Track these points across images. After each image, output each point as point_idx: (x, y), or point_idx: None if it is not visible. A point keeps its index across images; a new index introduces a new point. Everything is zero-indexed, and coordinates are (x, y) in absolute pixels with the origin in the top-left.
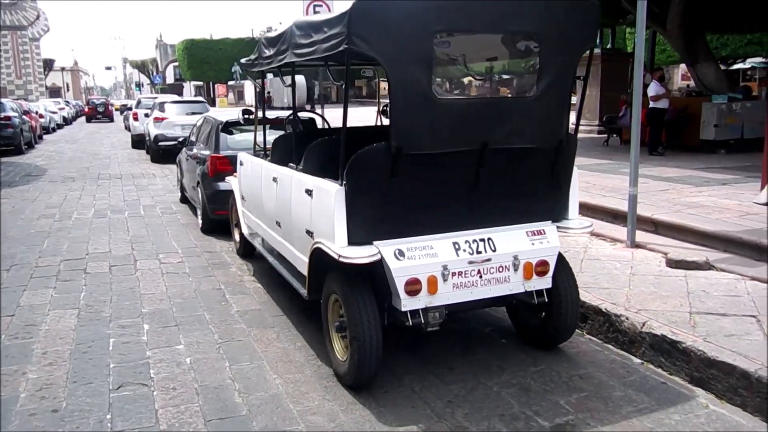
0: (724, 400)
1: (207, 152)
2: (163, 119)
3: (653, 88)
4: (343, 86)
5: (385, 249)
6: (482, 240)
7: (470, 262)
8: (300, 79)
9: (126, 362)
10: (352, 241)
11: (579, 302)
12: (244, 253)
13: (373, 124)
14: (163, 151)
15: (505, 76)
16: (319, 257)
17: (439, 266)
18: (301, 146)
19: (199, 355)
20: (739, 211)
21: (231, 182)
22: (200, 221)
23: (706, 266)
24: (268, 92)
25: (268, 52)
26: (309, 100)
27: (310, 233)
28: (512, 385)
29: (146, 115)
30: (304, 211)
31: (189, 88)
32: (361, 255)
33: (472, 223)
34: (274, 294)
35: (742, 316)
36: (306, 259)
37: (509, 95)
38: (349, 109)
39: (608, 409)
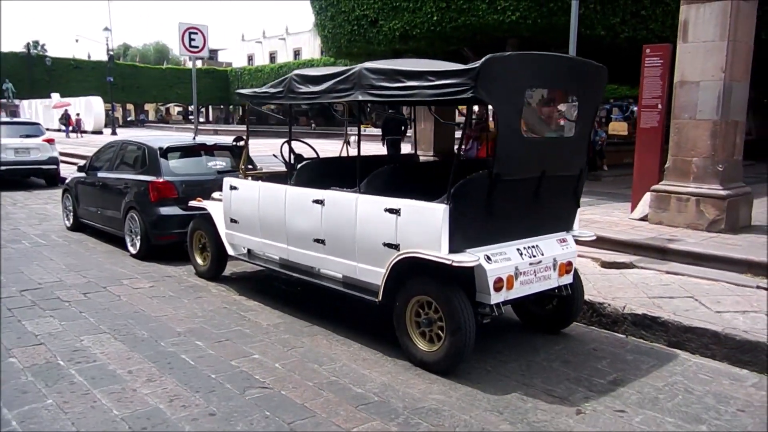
0: (698, 354)
1: (145, 177)
2: None
3: None
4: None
5: (479, 255)
6: (533, 246)
7: (530, 264)
8: None
9: (223, 372)
10: (451, 250)
11: (584, 293)
12: (214, 275)
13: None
14: None
15: (558, 120)
16: (402, 266)
17: (513, 267)
18: (328, 172)
19: (283, 361)
20: (626, 224)
21: (208, 207)
22: (131, 247)
23: (631, 266)
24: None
25: (305, 88)
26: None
27: (393, 246)
28: (554, 359)
29: None
30: (383, 227)
31: None
32: (469, 260)
33: (526, 233)
34: (283, 309)
35: (684, 297)
36: (381, 270)
37: (560, 135)
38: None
39: (633, 367)
